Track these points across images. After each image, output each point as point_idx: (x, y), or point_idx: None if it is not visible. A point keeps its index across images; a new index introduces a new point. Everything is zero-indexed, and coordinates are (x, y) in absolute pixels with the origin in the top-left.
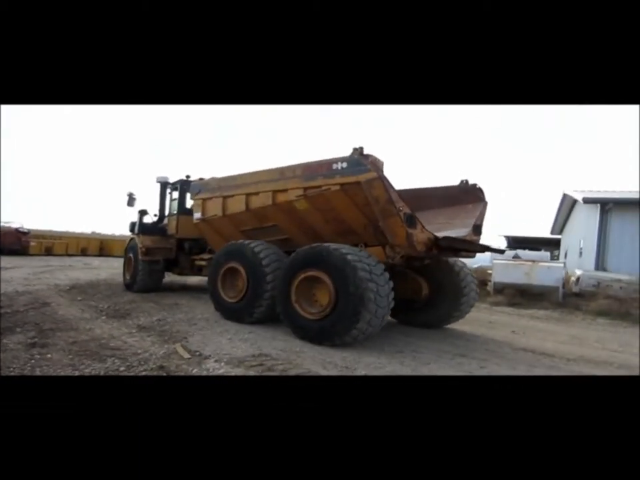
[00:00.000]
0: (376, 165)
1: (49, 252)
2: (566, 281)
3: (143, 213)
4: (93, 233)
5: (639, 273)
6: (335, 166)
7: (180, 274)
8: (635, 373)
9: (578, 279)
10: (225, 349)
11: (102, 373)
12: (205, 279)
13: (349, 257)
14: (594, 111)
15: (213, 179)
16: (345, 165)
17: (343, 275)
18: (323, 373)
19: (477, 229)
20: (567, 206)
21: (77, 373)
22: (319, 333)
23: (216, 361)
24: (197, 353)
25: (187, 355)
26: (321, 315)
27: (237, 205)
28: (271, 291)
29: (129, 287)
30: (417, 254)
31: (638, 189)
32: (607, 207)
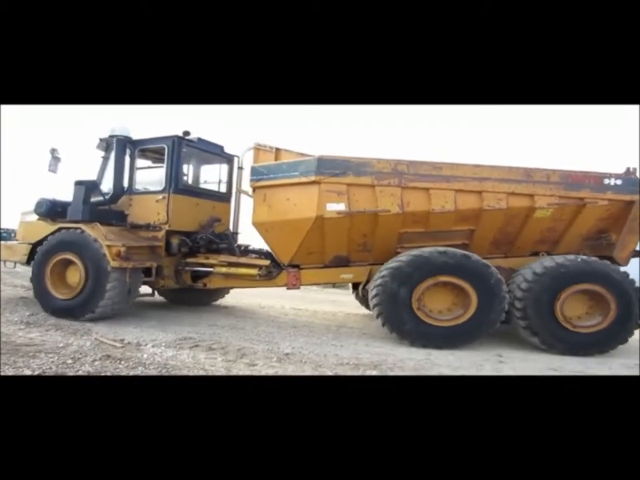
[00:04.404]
0: None
1: None
2: None
3: (91, 185)
4: None
5: None
6: (606, 181)
7: (162, 287)
8: None
9: None
10: (144, 336)
11: (52, 368)
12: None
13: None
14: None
15: (379, 159)
16: (619, 182)
17: (628, 293)
18: (255, 346)
19: None
20: None
21: (25, 372)
22: (593, 345)
23: (153, 346)
24: (125, 341)
25: (118, 344)
26: (596, 329)
27: (437, 201)
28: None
29: (69, 311)
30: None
31: None
32: None
